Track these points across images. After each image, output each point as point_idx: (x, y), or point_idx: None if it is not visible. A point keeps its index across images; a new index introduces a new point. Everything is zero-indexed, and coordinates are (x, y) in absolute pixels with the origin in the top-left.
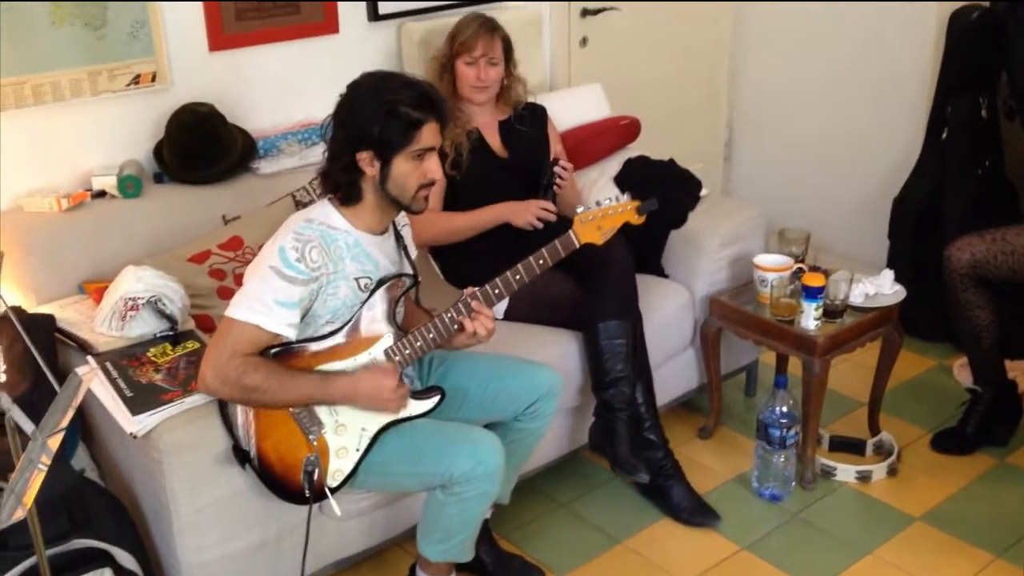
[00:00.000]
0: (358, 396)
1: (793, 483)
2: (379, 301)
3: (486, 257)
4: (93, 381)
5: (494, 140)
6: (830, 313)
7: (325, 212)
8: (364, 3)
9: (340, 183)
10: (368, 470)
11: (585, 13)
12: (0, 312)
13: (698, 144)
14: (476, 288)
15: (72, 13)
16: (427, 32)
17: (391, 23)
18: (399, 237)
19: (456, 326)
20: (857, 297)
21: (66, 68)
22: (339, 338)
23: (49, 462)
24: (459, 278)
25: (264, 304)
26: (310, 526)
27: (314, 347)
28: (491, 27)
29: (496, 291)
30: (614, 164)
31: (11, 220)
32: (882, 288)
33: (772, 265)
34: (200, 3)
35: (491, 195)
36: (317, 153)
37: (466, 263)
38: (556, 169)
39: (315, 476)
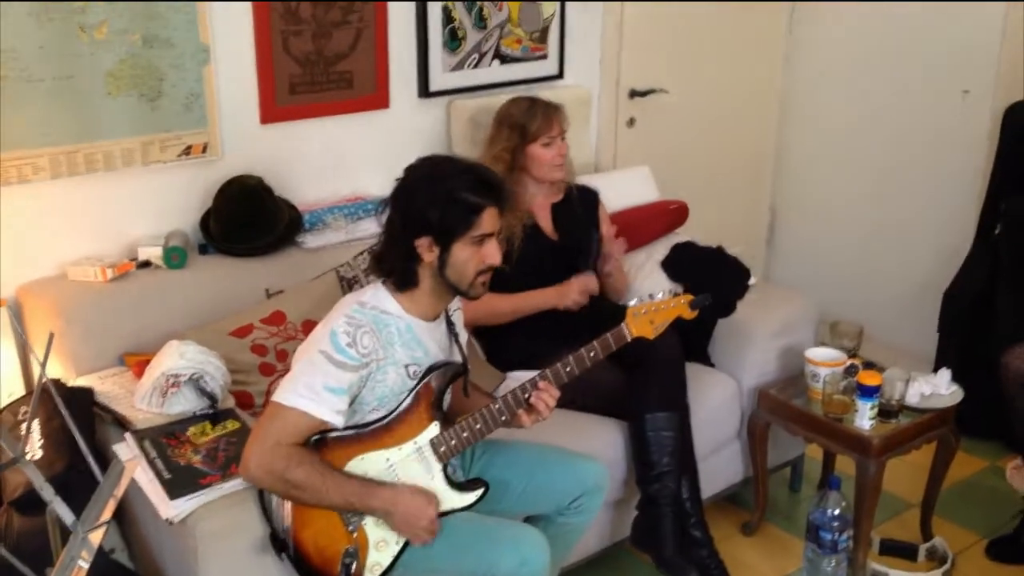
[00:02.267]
0: (395, 514)
1: None
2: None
3: (531, 338)
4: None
5: (546, 223)
6: (885, 413)
7: (378, 296)
8: (415, 79)
9: (396, 269)
10: (407, 565)
11: (633, 94)
12: (40, 385)
13: (741, 226)
14: (527, 381)
15: (129, 84)
16: (476, 110)
17: (441, 100)
18: (450, 323)
19: (504, 418)
20: (913, 397)
21: (119, 138)
22: (384, 426)
23: (91, 559)
24: (502, 359)
25: (312, 390)
26: None
27: (359, 434)
28: (554, 105)
29: (545, 381)
30: (661, 248)
31: (55, 287)
32: (939, 388)
33: (825, 360)
34: (255, 75)
35: (540, 277)
36: (363, 228)
37: (509, 343)
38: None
39: (353, 569)
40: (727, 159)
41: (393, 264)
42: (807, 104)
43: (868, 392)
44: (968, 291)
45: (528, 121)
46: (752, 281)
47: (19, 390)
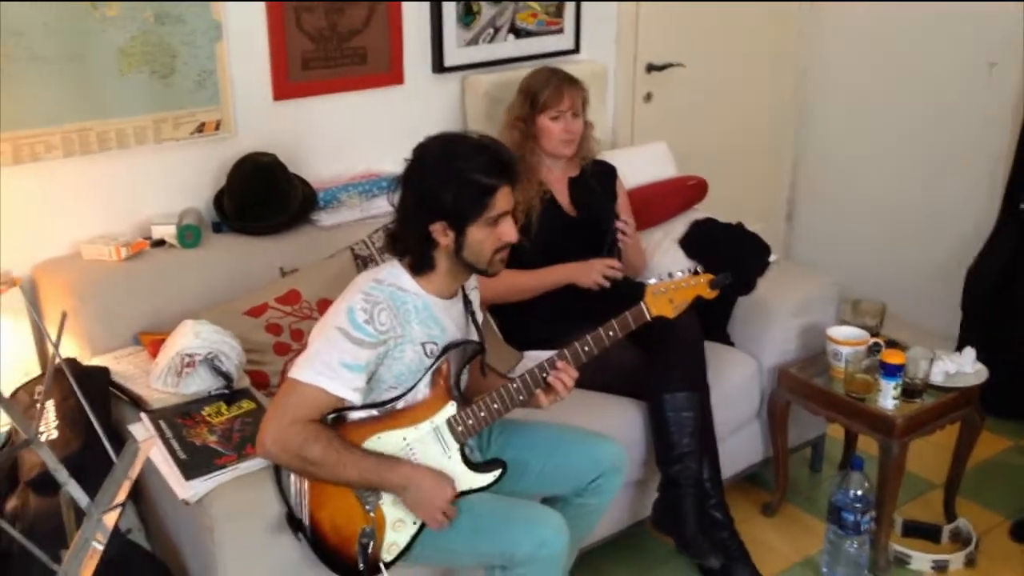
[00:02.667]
0: (411, 491)
1: (866, 571)
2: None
3: (547, 316)
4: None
5: (563, 198)
6: (909, 392)
7: (395, 273)
8: (429, 54)
9: (411, 251)
10: (425, 545)
11: (650, 68)
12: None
13: (760, 203)
14: (544, 360)
15: (141, 61)
16: (491, 85)
17: (455, 75)
18: (467, 301)
19: (522, 397)
20: (937, 376)
21: (132, 116)
22: (401, 404)
23: (105, 540)
24: (519, 337)
25: (329, 367)
26: None
27: (375, 412)
28: (572, 80)
29: (564, 361)
30: (679, 226)
31: (69, 267)
32: (963, 367)
33: (847, 338)
34: (267, 52)
35: (557, 253)
36: (377, 205)
37: (527, 322)
38: (618, 225)
39: (370, 549)
40: (746, 135)
41: (409, 246)
42: (828, 79)
43: (892, 371)
44: (992, 269)
45: (539, 91)
46: (772, 258)
47: (35, 369)
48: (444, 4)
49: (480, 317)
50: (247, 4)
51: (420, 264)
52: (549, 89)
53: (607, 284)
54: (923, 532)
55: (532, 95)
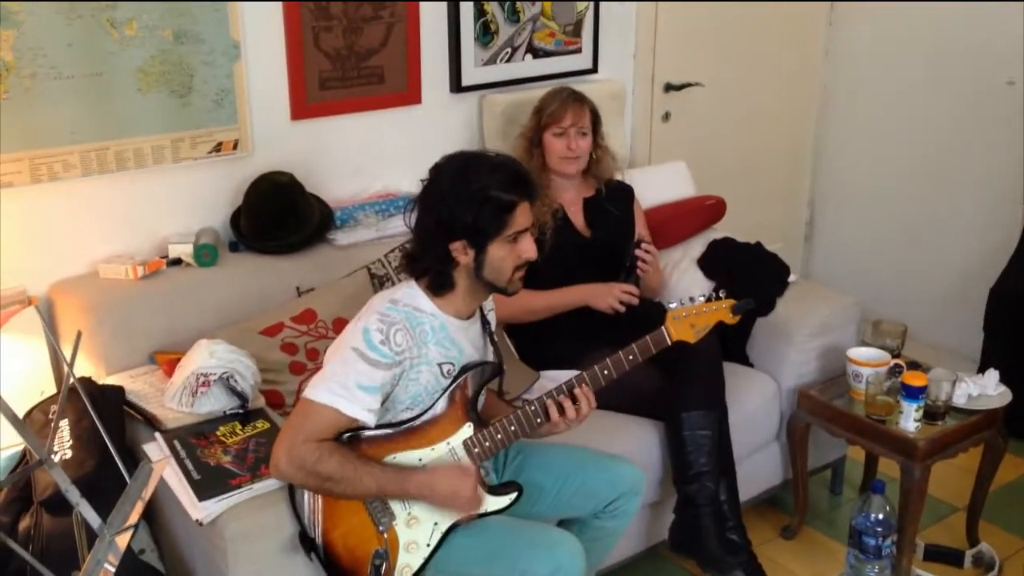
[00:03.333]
0: (435, 495)
1: None
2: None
3: (564, 337)
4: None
5: (578, 218)
6: (931, 415)
7: (411, 294)
8: (447, 74)
9: (430, 271)
10: (438, 568)
11: (669, 88)
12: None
13: (779, 222)
14: (563, 383)
15: (159, 81)
16: (508, 104)
17: (473, 95)
18: (485, 322)
19: (539, 420)
20: (960, 398)
21: (150, 134)
22: (417, 426)
23: (117, 562)
24: (535, 358)
25: (345, 387)
26: None
27: (391, 433)
28: (579, 98)
29: (583, 386)
30: (698, 245)
31: (86, 286)
32: (986, 389)
33: (868, 360)
34: (285, 72)
35: (571, 274)
36: (395, 225)
37: (543, 343)
38: (638, 252)
39: (382, 570)
40: (765, 154)
41: (427, 266)
42: (847, 97)
43: (914, 393)
44: (1016, 288)
45: (546, 107)
46: (791, 279)
47: (51, 388)
48: (462, 23)
49: (497, 338)
50: (265, 23)
51: (439, 284)
52: (554, 105)
53: (622, 309)
54: (945, 557)
55: (538, 111)
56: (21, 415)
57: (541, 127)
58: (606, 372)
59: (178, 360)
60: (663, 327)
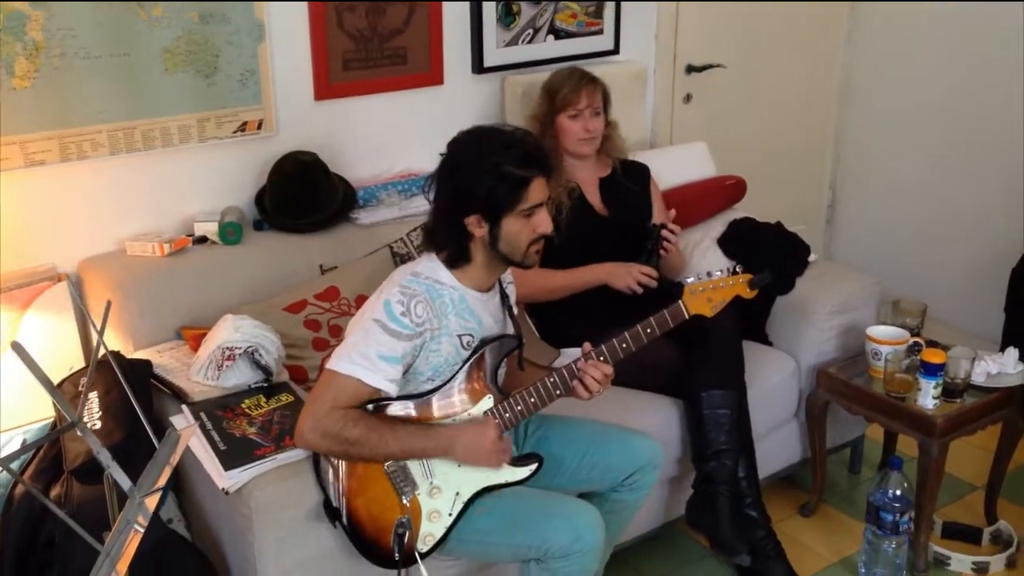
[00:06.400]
0: (457, 447)
1: (904, 572)
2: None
3: (583, 316)
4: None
5: (594, 198)
6: (950, 392)
7: (432, 267)
8: (469, 55)
9: (448, 245)
10: (460, 537)
11: (690, 70)
12: (100, 357)
13: (800, 205)
14: (581, 357)
15: (185, 61)
16: (529, 85)
17: (495, 76)
18: (504, 296)
19: (559, 391)
20: (979, 376)
21: (176, 114)
22: (438, 397)
23: (146, 523)
24: (555, 336)
25: (367, 358)
26: None
27: (413, 404)
28: (591, 78)
29: (602, 359)
30: (718, 225)
31: (114, 263)
32: (1005, 367)
33: (887, 338)
34: (309, 53)
35: (589, 253)
36: (416, 204)
37: (563, 321)
38: (664, 233)
39: (405, 539)
40: (786, 136)
41: (445, 240)
42: (869, 81)
43: (932, 370)
44: None
45: (558, 90)
46: (812, 258)
47: (80, 363)
48: (484, 4)
49: (516, 312)
50: (290, 4)
51: (457, 257)
52: (568, 87)
53: (639, 290)
54: (963, 534)
55: (551, 94)
56: None
57: (555, 110)
58: (624, 345)
59: (204, 335)
60: (680, 301)
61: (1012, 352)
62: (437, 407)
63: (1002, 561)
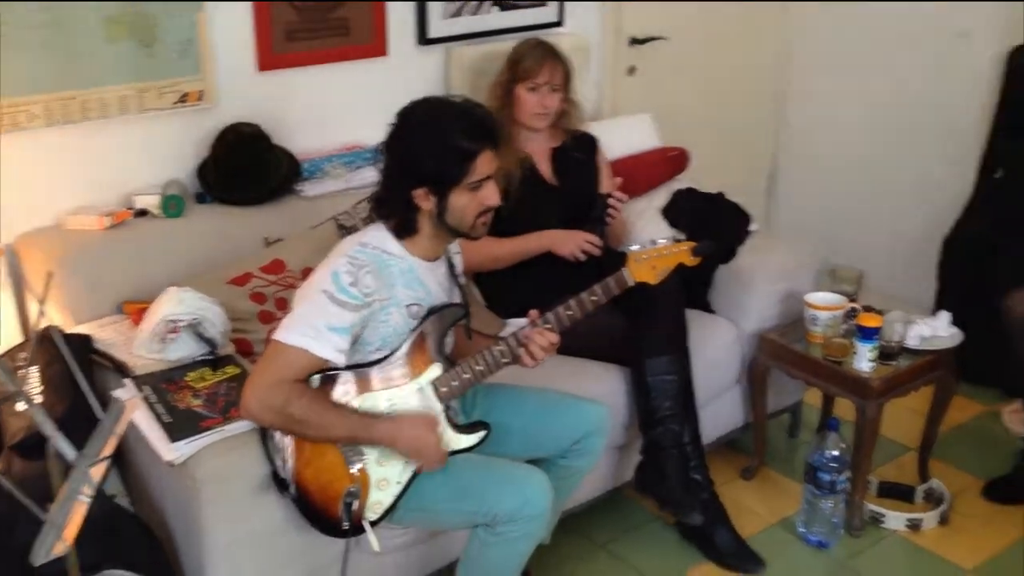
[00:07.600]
0: (398, 443)
1: (841, 530)
2: (428, 330)
3: (529, 285)
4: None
5: (545, 168)
6: (885, 355)
7: (380, 237)
8: (413, 26)
9: (395, 215)
10: (409, 505)
11: (634, 42)
12: (40, 330)
13: (742, 174)
14: (526, 325)
15: (125, 30)
16: (476, 57)
17: (439, 47)
18: (451, 264)
19: (506, 360)
20: (912, 339)
21: (114, 84)
22: (386, 366)
23: (92, 493)
24: (501, 305)
25: (315, 329)
26: (347, 561)
27: (359, 374)
28: (555, 54)
29: (548, 326)
30: (661, 195)
31: (53, 237)
32: (938, 330)
33: (825, 304)
34: (251, 22)
35: (538, 223)
36: (362, 176)
37: (509, 290)
38: (611, 201)
39: (354, 507)
40: (729, 107)
41: (392, 211)
42: (808, 51)
43: (868, 334)
44: (968, 237)
45: (520, 59)
46: (753, 227)
47: (17, 338)
48: None
49: (463, 281)
50: None
51: (404, 228)
52: (530, 60)
53: (583, 258)
54: (897, 492)
55: (514, 63)
56: None
57: (515, 79)
58: (570, 312)
59: (146, 309)
60: (624, 268)
61: (944, 316)
62: (380, 378)
63: (935, 518)
